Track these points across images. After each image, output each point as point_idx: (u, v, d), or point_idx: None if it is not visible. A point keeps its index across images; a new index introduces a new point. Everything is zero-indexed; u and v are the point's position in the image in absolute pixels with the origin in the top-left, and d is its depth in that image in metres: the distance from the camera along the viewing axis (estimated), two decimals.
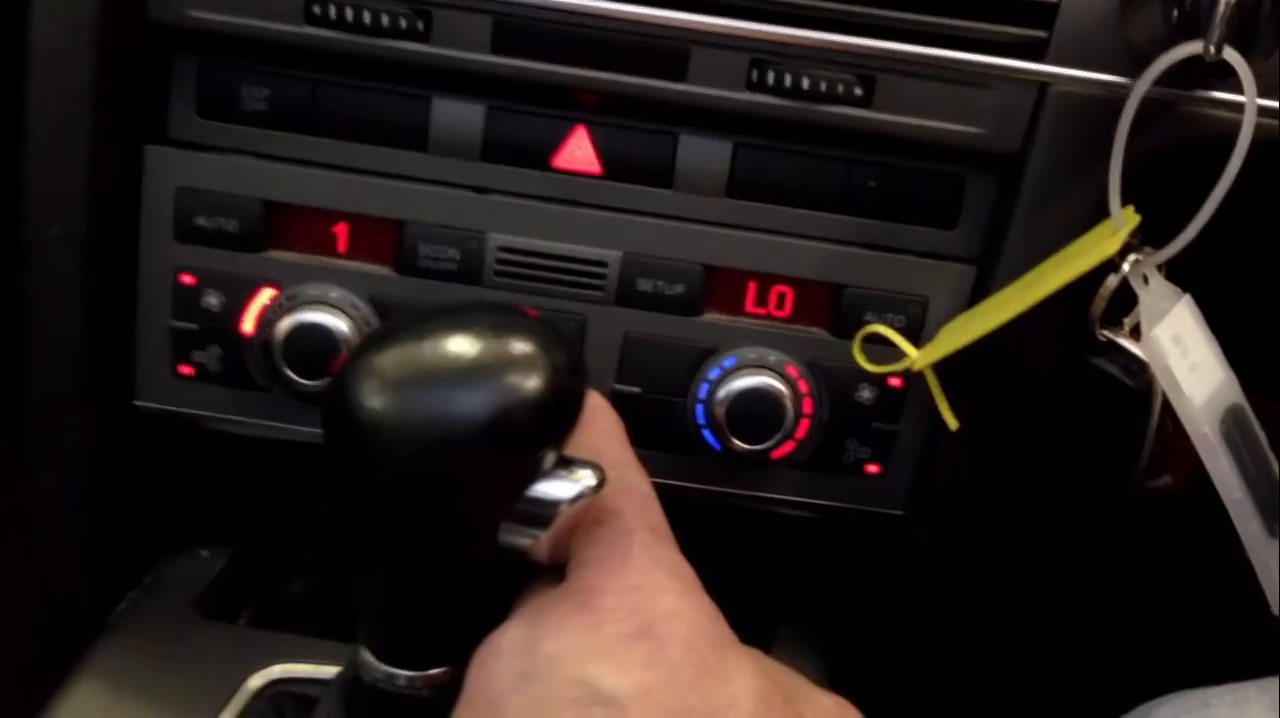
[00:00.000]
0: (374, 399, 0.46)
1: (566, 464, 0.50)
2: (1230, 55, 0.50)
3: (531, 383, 0.47)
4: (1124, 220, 0.53)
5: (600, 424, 0.52)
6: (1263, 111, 0.56)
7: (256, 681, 0.64)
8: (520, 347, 0.48)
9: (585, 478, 0.50)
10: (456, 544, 0.49)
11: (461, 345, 0.48)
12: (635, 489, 0.50)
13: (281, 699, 0.63)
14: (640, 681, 0.43)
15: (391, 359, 0.48)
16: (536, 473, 0.49)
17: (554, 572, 0.51)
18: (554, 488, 0.49)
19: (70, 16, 0.58)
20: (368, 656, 0.52)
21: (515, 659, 0.46)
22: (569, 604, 0.47)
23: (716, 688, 0.43)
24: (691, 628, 0.45)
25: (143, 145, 0.62)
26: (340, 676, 0.54)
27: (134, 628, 0.66)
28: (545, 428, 0.48)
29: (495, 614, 0.53)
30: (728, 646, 0.46)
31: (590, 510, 0.49)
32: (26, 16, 0.58)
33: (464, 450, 0.46)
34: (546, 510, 0.49)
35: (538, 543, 0.49)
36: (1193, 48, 0.51)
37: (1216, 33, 0.50)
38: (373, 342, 0.49)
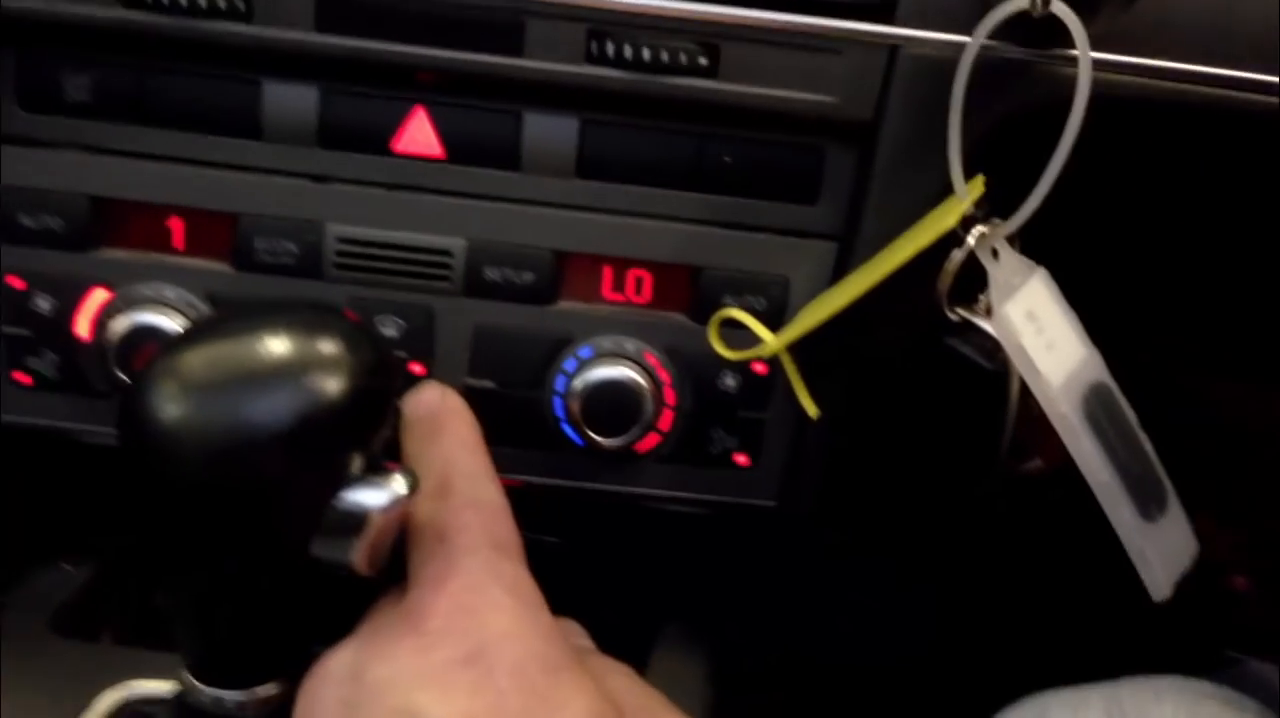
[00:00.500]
0: (167, 404, 0.44)
1: (376, 469, 0.47)
2: (1059, 9, 0.47)
3: (332, 385, 0.45)
4: (966, 191, 0.50)
5: (455, 430, 0.50)
6: (1116, 67, 0.53)
7: (108, 700, 0.61)
8: (321, 347, 0.46)
9: (396, 484, 0.47)
10: (264, 557, 0.47)
11: (261, 347, 0.45)
12: (483, 502, 0.48)
13: None
14: (466, 709, 0.41)
15: (187, 362, 0.45)
16: (344, 479, 0.46)
17: (399, 591, 0.48)
18: (364, 495, 0.46)
19: None
20: (191, 679, 0.49)
21: (341, 686, 0.44)
22: (400, 626, 0.45)
23: (545, 715, 0.41)
24: (524, 651, 0.43)
25: None
26: (174, 699, 0.51)
27: None
28: (348, 432, 0.46)
29: (327, 628, 0.51)
30: (562, 668, 0.43)
31: (429, 525, 0.47)
32: None
33: (263, 458, 0.44)
34: (357, 519, 0.46)
35: (354, 553, 0.47)
36: (1020, 3, 0.47)
37: None
38: (171, 344, 0.47)
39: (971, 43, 0.49)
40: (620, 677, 0.49)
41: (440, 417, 0.50)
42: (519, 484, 0.62)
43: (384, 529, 0.47)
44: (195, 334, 0.49)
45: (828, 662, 0.70)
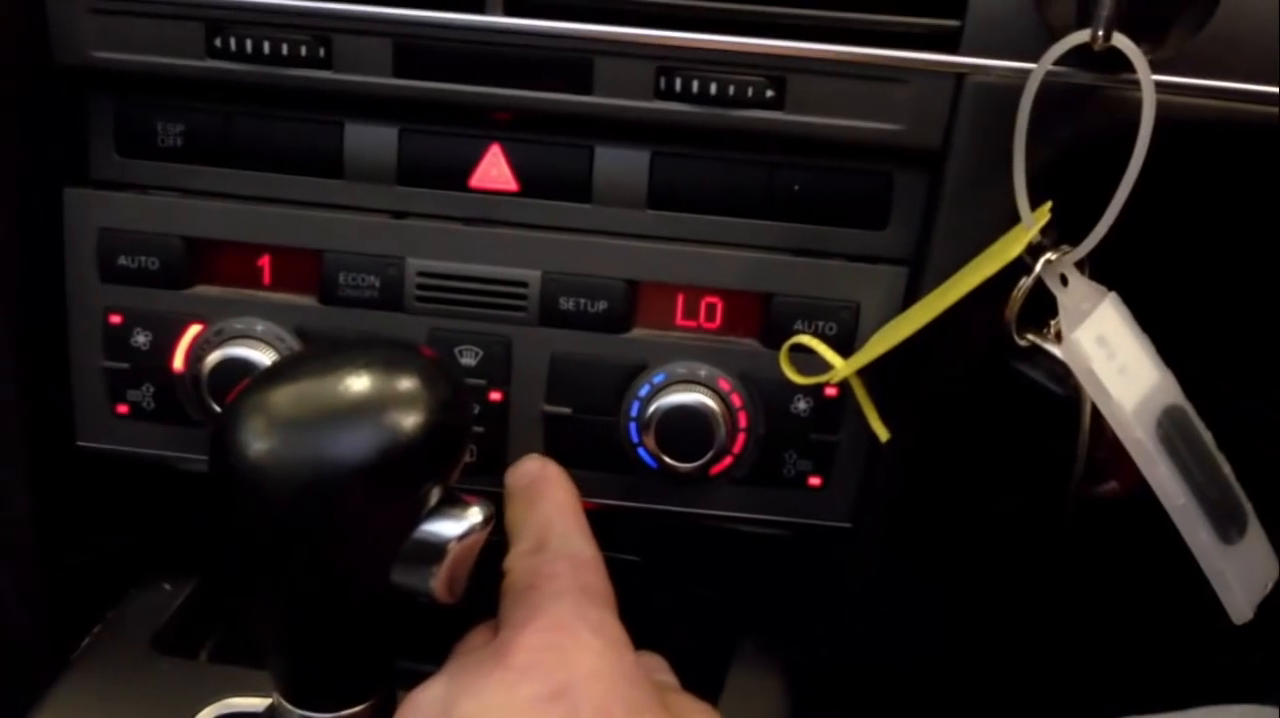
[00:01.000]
0: (253, 439, 0.46)
1: (453, 500, 0.49)
2: (1121, 41, 0.47)
3: (411, 421, 0.47)
4: (1032, 219, 0.50)
5: (552, 496, 0.53)
6: (1178, 89, 0.53)
7: (206, 716, 0.64)
8: (400, 384, 0.48)
9: (472, 514, 0.49)
10: (347, 585, 0.48)
11: (342, 384, 0.48)
12: (575, 555, 0.51)
13: None
14: None
15: (272, 398, 0.48)
16: (422, 510, 0.48)
17: (489, 631, 0.51)
18: (442, 526, 0.48)
19: None
20: (282, 701, 0.51)
21: None
22: (489, 662, 0.47)
23: None
24: (608, 690, 0.45)
25: (63, 188, 0.63)
26: None
27: (92, 666, 0.67)
28: (427, 465, 0.48)
29: (410, 651, 0.53)
30: (644, 710, 0.45)
31: (523, 576, 0.50)
32: None
33: (344, 491, 0.46)
34: (435, 549, 0.48)
35: (433, 581, 0.49)
36: (1081, 36, 0.48)
37: (1103, 19, 0.47)
38: (257, 381, 0.49)
39: (1034, 74, 0.50)
40: (700, 715, 0.50)
41: (539, 485, 0.53)
42: (596, 507, 0.63)
43: (461, 558, 0.49)
44: (280, 371, 0.51)
45: (905, 675, 0.70)
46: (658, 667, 0.56)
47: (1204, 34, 0.52)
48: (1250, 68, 0.52)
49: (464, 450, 0.49)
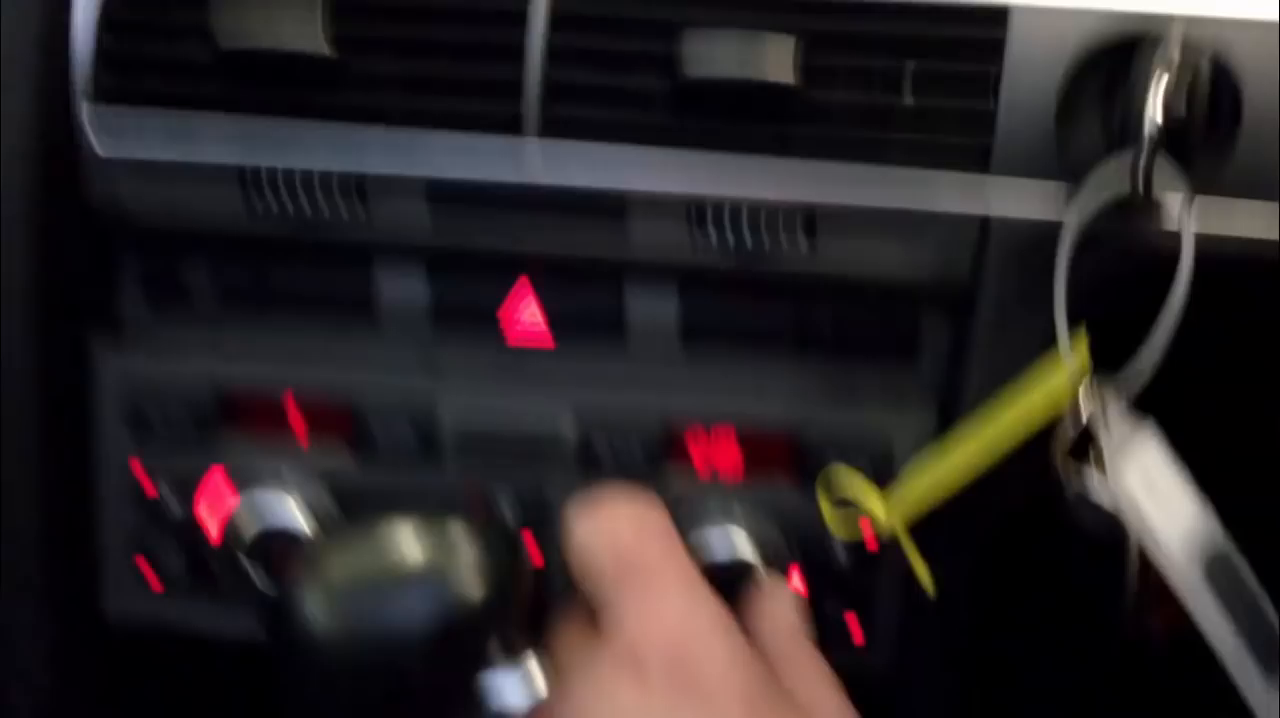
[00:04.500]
0: (315, 614, 0.48)
1: (509, 646, 0.49)
2: (1159, 192, 0.48)
3: (470, 588, 0.49)
4: (1074, 355, 0.51)
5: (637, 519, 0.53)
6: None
7: None
8: (459, 550, 0.49)
9: (534, 677, 0.49)
10: None
11: (399, 555, 0.50)
12: (659, 531, 0.52)
13: None
14: None
15: (331, 572, 0.49)
16: (482, 662, 0.49)
17: (582, 609, 0.51)
18: (506, 689, 0.49)
19: (9, 215, 0.59)
20: None
21: None
22: (612, 660, 0.47)
23: None
24: (745, 680, 0.46)
25: (90, 340, 0.62)
26: None
27: None
28: (486, 625, 0.49)
29: None
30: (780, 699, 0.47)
31: (618, 554, 0.51)
32: None
33: (407, 659, 0.47)
34: None
35: None
36: (1120, 190, 0.49)
37: (1141, 169, 0.49)
38: (315, 551, 0.51)
39: (1069, 226, 0.51)
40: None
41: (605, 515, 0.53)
42: None
43: None
44: (338, 540, 0.52)
45: None
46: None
47: (1227, 171, 0.53)
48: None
49: (524, 608, 0.49)
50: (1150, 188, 0.49)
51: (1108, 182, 0.51)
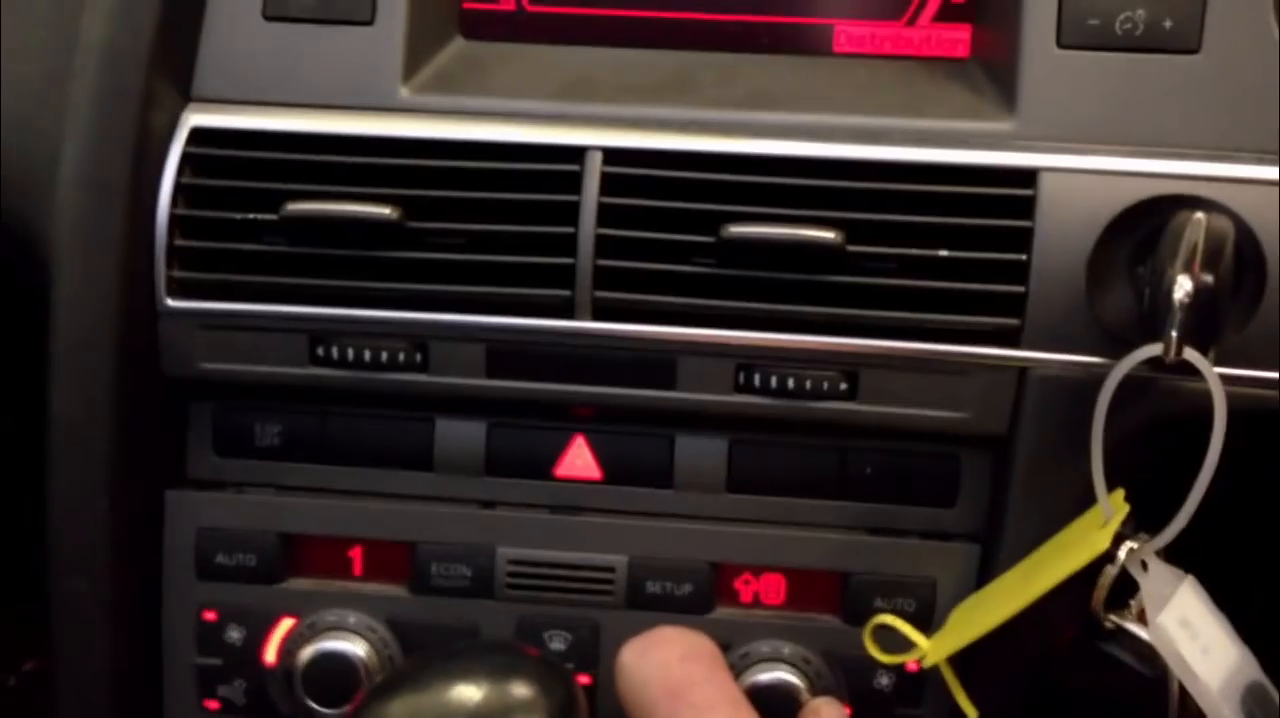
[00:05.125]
0: None
1: None
2: (1190, 355, 0.51)
3: None
4: (1113, 510, 0.54)
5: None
6: (1241, 381, 0.57)
7: None
8: (517, 692, 0.51)
9: None
10: None
11: (462, 695, 0.50)
12: (708, 663, 0.54)
13: None
14: None
15: (394, 713, 0.50)
16: None
17: None
18: None
19: (88, 384, 0.62)
20: None
21: None
22: None
23: None
24: None
25: (163, 491, 0.65)
26: None
27: None
28: None
29: None
30: None
31: (668, 685, 0.53)
32: (47, 386, 0.62)
33: None
34: None
35: None
36: (1152, 350, 0.52)
37: (1174, 336, 0.51)
38: (377, 692, 0.52)
39: (1106, 385, 0.54)
40: None
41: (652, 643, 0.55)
42: None
43: None
44: (399, 681, 0.54)
45: None
46: None
47: (1254, 328, 0.56)
48: None
49: None
50: (1181, 346, 0.51)
51: (1139, 344, 0.54)
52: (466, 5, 0.69)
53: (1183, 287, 0.52)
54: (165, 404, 0.65)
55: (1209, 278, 0.53)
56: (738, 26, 0.68)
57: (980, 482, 0.63)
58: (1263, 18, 0.60)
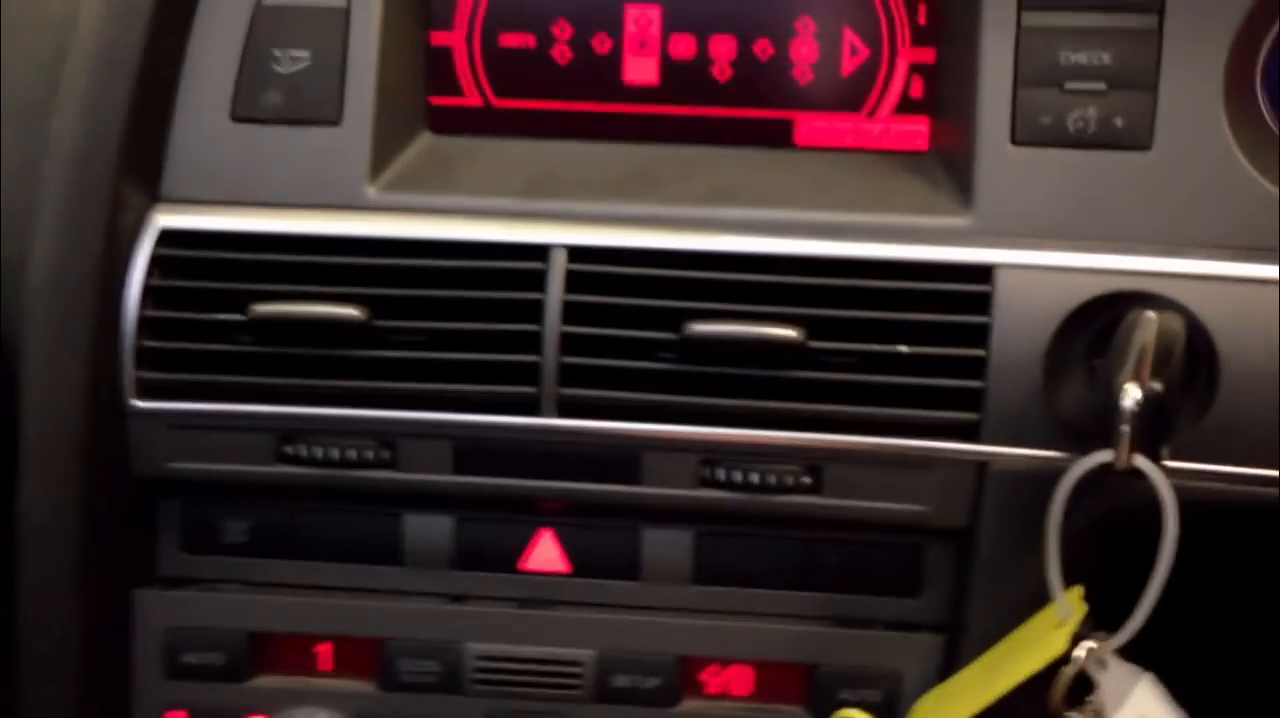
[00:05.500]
0: None
1: None
2: (1140, 463, 0.52)
3: None
4: (1070, 611, 0.54)
5: None
6: (1196, 475, 0.58)
7: None
8: None
9: None
10: None
11: None
12: None
13: None
14: None
15: None
16: None
17: None
18: None
19: (55, 485, 0.62)
20: None
21: None
22: None
23: None
24: None
25: (131, 590, 0.65)
26: None
27: None
28: None
29: None
30: None
31: None
32: (14, 487, 0.62)
33: None
34: None
35: None
36: (1103, 457, 0.53)
37: (1125, 444, 0.52)
38: None
39: (1060, 488, 0.54)
40: None
41: None
42: None
43: None
44: None
45: None
46: None
47: (1208, 422, 0.57)
48: (1251, 451, 0.57)
49: None
50: (1132, 454, 0.52)
51: (1096, 438, 0.54)
52: (434, 101, 0.70)
53: (1131, 395, 0.53)
54: (134, 503, 0.65)
55: (1157, 385, 0.53)
56: (701, 120, 0.69)
57: (946, 572, 0.64)
58: (1213, 115, 0.61)
